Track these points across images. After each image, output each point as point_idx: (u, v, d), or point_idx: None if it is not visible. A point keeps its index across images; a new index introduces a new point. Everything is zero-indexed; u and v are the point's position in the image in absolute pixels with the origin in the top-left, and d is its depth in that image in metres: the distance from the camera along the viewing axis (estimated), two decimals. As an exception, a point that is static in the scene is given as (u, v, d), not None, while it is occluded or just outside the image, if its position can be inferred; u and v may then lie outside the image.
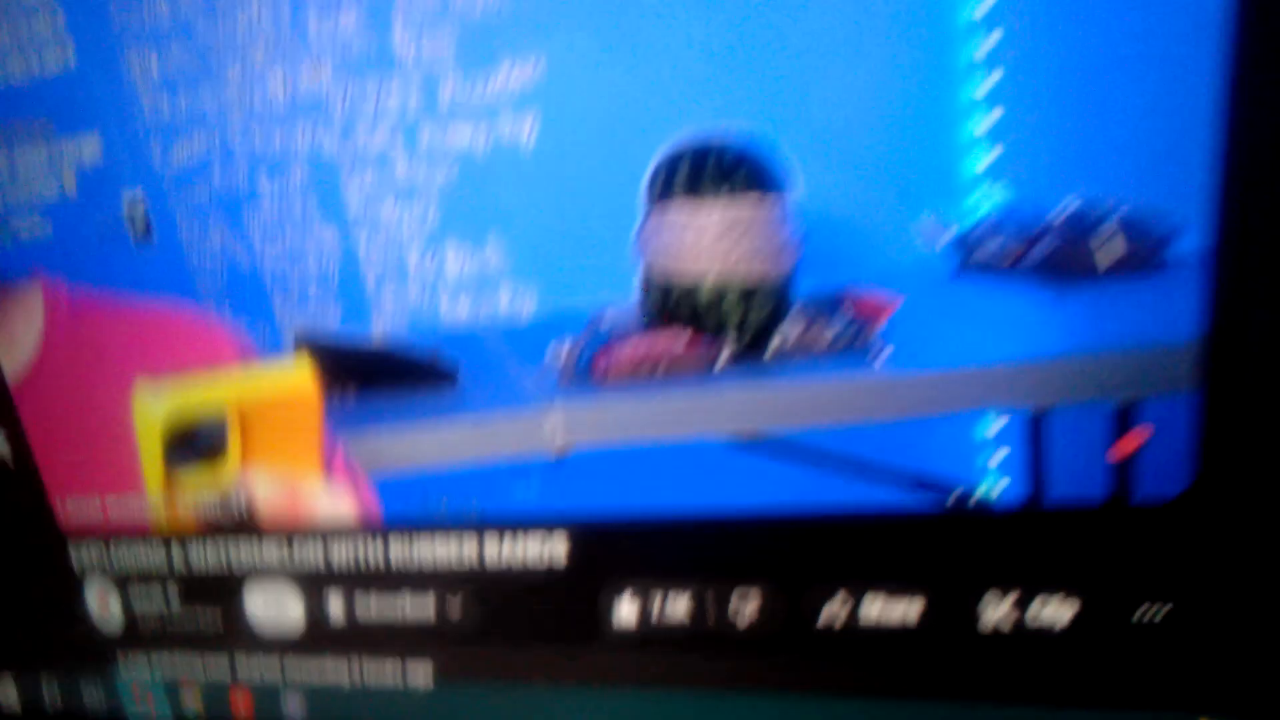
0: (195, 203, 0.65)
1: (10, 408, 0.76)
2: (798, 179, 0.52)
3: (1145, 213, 0.48)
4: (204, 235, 0.66)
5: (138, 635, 0.81)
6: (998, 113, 0.48)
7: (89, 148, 0.66)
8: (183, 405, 0.70)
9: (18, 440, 0.78)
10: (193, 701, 0.82)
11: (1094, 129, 0.47)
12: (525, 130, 0.56)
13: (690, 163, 0.54)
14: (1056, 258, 0.50)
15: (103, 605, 0.82)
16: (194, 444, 0.70)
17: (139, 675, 0.83)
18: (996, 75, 0.48)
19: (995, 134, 0.49)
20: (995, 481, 0.54)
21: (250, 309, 0.66)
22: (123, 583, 0.80)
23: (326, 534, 0.70)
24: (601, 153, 0.55)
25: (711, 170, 0.53)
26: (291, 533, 0.71)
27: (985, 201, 0.50)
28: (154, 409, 0.71)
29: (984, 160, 0.49)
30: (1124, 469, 0.51)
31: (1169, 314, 0.47)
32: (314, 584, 0.72)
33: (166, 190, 0.65)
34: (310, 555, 0.71)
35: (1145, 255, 0.48)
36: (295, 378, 0.66)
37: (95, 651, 0.83)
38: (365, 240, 0.62)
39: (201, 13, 0.61)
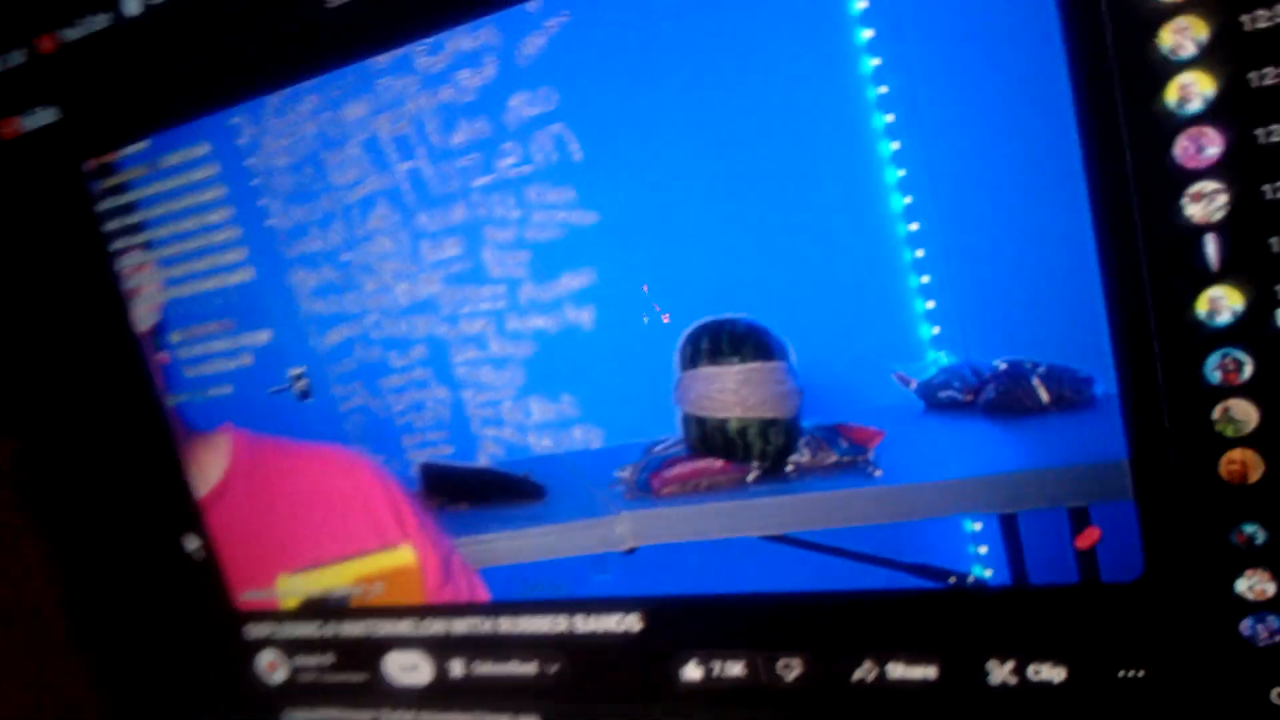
0: (343, 372, 0.85)
1: (200, 519, 0.98)
2: (792, 348, 0.69)
3: (1061, 368, 0.63)
4: (349, 395, 0.86)
5: (299, 691, 1.01)
6: (933, 303, 0.64)
7: (263, 335, 0.87)
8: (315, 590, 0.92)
9: (206, 542, 0.99)
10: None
11: (1009, 311, 0.63)
12: (585, 317, 0.75)
13: (709, 339, 0.71)
14: (1000, 400, 0.66)
15: (270, 669, 1.02)
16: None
17: (300, 724, 1.03)
18: (927, 278, 0.64)
19: (935, 315, 0.65)
20: (984, 568, 0.68)
21: (385, 448, 0.86)
22: (288, 650, 1.01)
23: (449, 613, 0.89)
24: (642, 330, 0.73)
25: (726, 344, 0.71)
26: (421, 613, 0.90)
27: (938, 360, 0.66)
28: (292, 591, 0.93)
29: (931, 331, 0.65)
30: (1090, 557, 0.63)
31: (1099, 440, 0.60)
32: (441, 652, 0.91)
33: (321, 365, 0.86)
34: (437, 629, 0.90)
35: (1070, 397, 0.63)
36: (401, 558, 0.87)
37: (266, 707, 1.04)
38: (470, 397, 0.81)
39: (344, 241, 0.81)
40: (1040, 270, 0.61)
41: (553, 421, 0.79)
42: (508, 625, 0.86)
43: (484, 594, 0.87)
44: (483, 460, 0.83)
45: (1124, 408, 0.59)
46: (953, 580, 0.70)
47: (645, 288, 0.70)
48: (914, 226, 0.64)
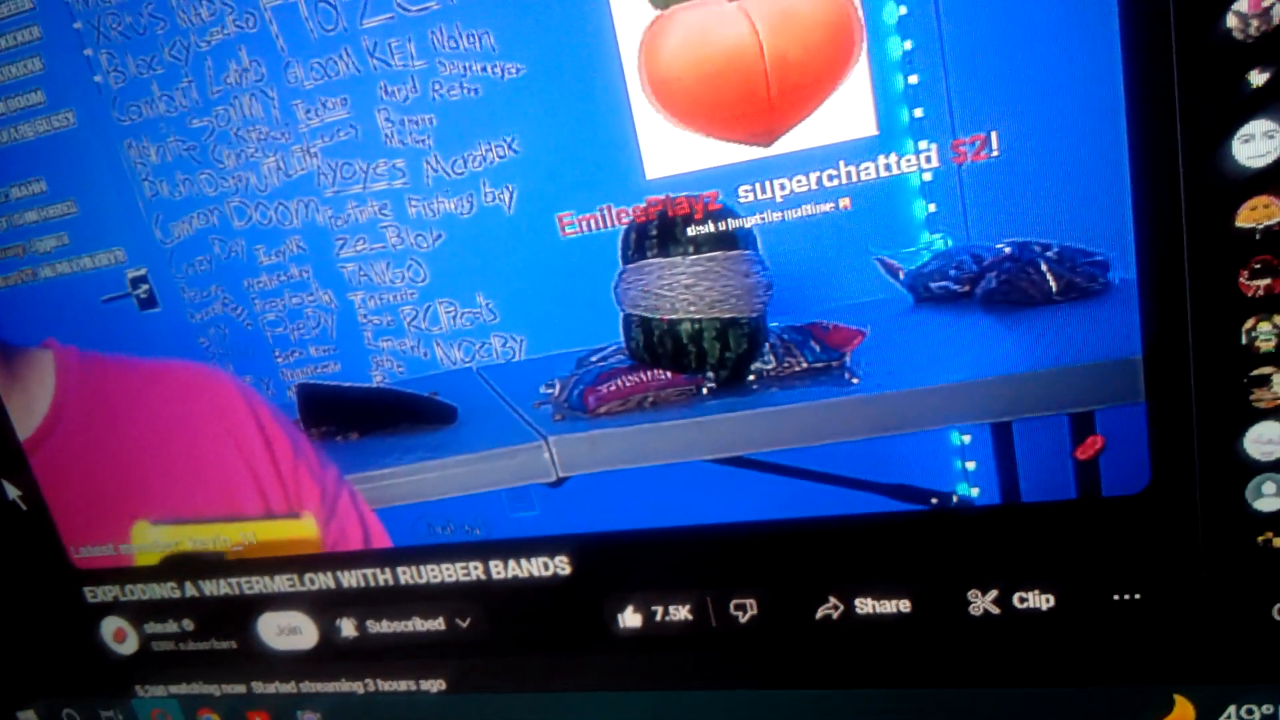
0: (196, 273, 0.69)
1: (22, 462, 0.80)
2: (758, 233, 0.58)
3: (1074, 249, 0.54)
4: (206, 302, 0.70)
5: (153, 664, 0.86)
6: (929, 175, 0.54)
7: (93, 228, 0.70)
8: (181, 546, 0.77)
9: (31, 491, 0.82)
10: (212, 723, 0.87)
11: (1016, 182, 0.53)
12: (505, 199, 0.61)
13: (658, 223, 0.59)
14: (1002, 290, 0.56)
15: (118, 638, 0.86)
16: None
17: (157, 702, 0.88)
18: (925, 144, 0.54)
19: (930, 190, 0.55)
20: (971, 486, 0.60)
21: (252, 366, 0.71)
22: (136, 616, 0.85)
23: (336, 564, 0.75)
24: (574, 215, 0.60)
25: (679, 229, 0.59)
26: (303, 566, 0.76)
27: (931, 244, 0.56)
28: (151, 546, 0.78)
29: (925, 209, 0.55)
30: (1090, 469, 0.57)
31: (1110, 334, 0.53)
32: (327, 610, 0.78)
33: (168, 263, 0.69)
34: (323, 584, 0.77)
35: (1081, 285, 0.55)
36: (300, 529, 0.73)
37: (113, 681, 0.88)
38: (360, 300, 0.67)
39: (194, 104, 0.64)
40: (1055, 130, 0.52)
41: (465, 330, 0.66)
42: (409, 575, 0.74)
43: (381, 539, 0.73)
44: (377, 379, 0.69)
45: (1143, 292, 0.53)
46: (934, 501, 0.61)
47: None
48: (913, 79, 0.53)
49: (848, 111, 0.54)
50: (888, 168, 0.55)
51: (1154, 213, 0.51)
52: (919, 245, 0.56)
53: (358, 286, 0.67)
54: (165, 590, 0.81)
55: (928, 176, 0.54)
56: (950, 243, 0.56)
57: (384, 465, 0.70)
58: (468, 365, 0.67)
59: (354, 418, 0.71)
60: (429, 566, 0.73)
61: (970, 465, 0.60)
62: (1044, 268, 0.55)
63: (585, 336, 0.64)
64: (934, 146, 0.54)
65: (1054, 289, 0.55)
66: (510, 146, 0.60)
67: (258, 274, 0.68)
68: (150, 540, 0.79)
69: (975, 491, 0.60)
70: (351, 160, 0.63)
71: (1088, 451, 0.57)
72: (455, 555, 0.72)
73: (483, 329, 0.65)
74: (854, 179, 0.55)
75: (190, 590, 0.80)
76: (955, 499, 0.60)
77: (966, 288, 0.57)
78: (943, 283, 0.57)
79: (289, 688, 0.82)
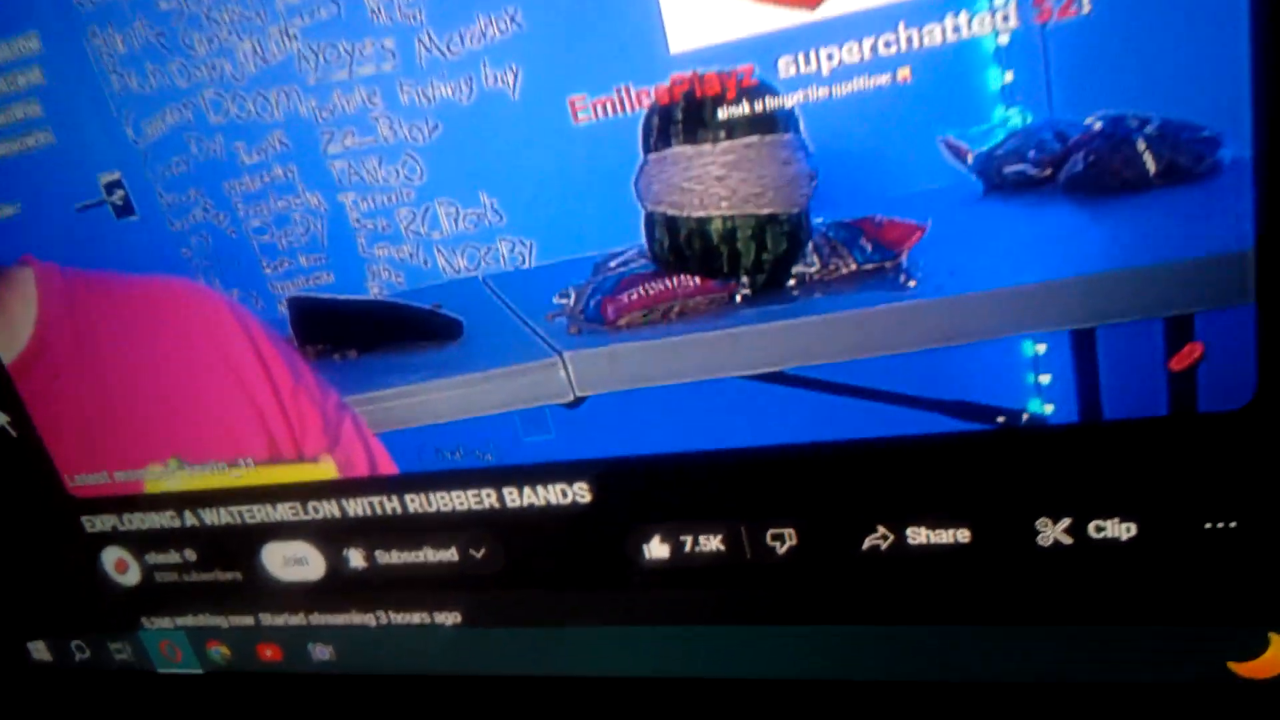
0: (173, 175, 0.62)
1: (10, 387, 0.75)
2: (801, 113, 0.50)
3: (1178, 123, 0.46)
4: (185, 208, 0.63)
5: (157, 595, 0.82)
6: (1005, 37, 0.46)
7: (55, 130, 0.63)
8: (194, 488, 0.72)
9: (21, 417, 0.77)
10: (221, 655, 0.84)
11: (1114, 40, 0.45)
12: (509, 81, 0.53)
13: (685, 105, 0.51)
14: (1089, 173, 0.48)
15: (119, 569, 0.83)
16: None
17: (164, 634, 0.85)
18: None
19: (1006, 55, 0.46)
20: (1045, 403, 0.53)
21: (239, 279, 0.64)
22: (137, 546, 0.81)
23: (341, 491, 0.70)
24: (589, 100, 0.53)
25: (708, 111, 0.51)
26: (306, 494, 0.71)
27: (1007, 121, 0.48)
28: (146, 474, 0.73)
29: (1001, 79, 0.47)
30: (1186, 381, 0.50)
31: (1218, 224, 0.46)
32: (333, 540, 0.73)
33: (143, 165, 0.63)
34: (326, 512, 0.72)
35: (1185, 166, 0.46)
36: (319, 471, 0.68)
37: (118, 613, 0.85)
38: (352, 202, 0.60)
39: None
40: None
41: (468, 234, 0.59)
42: (418, 503, 0.69)
43: (388, 467, 0.68)
44: (374, 290, 0.63)
45: (1259, 174, 0.45)
46: (1002, 420, 0.54)
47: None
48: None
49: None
50: (956, 29, 0.46)
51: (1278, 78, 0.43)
52: (991, 123, 0.48)
53: (348, 187, 0.60)
54: (164, 520, 0.77)
55: (1004, 39, 0.46)
56: (1029, 118, 0.48)
57: (386, 386, 0.64)
58: (473, 274, 0.60)
59: (351, 332, 0.65)
60: (439, 494, 0.67)
61: (1044, 379, 0.52)
62: (1141, 146, 0.47)
63: (603, 239, 0.57)
64: (1012, 1, 0.45)
65: (1152, 170, 0.47)
66: (513, 20, 0.52)
67: (239, 175, 0.61)
68: (150, 472, 0.74)
69: (1049, 409, 0.53)
70: (335, 41, 0.56)
71: (1183, 361, 0.50)
72: (466, 482, 0.66)
73: (488, 232, 0.58)
74: (915, 44, 0.47)
75: (190, 519, 0.76)
76: (1026, 417, 0.53)
77: (1047, 171, 0.49)
78: (1019, 166, 0.49)
79: (298, 620, 0.78)
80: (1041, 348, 0.52)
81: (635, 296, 0.57)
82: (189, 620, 0.82)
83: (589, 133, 0.53)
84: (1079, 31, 0.45)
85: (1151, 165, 0.47)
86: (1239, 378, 0.48)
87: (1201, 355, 0.49)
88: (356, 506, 0.70)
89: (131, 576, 0.82)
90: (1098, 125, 0.47)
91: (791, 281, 0.55)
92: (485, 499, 0.66)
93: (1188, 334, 0.49)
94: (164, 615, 0.83)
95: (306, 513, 0.72)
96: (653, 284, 0.57)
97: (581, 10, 0.51)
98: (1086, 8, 0.44)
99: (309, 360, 0.66)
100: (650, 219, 0.55)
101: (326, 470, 0.69)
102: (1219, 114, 0.44)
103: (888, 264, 0.53)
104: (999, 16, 0.45)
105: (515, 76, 0.53)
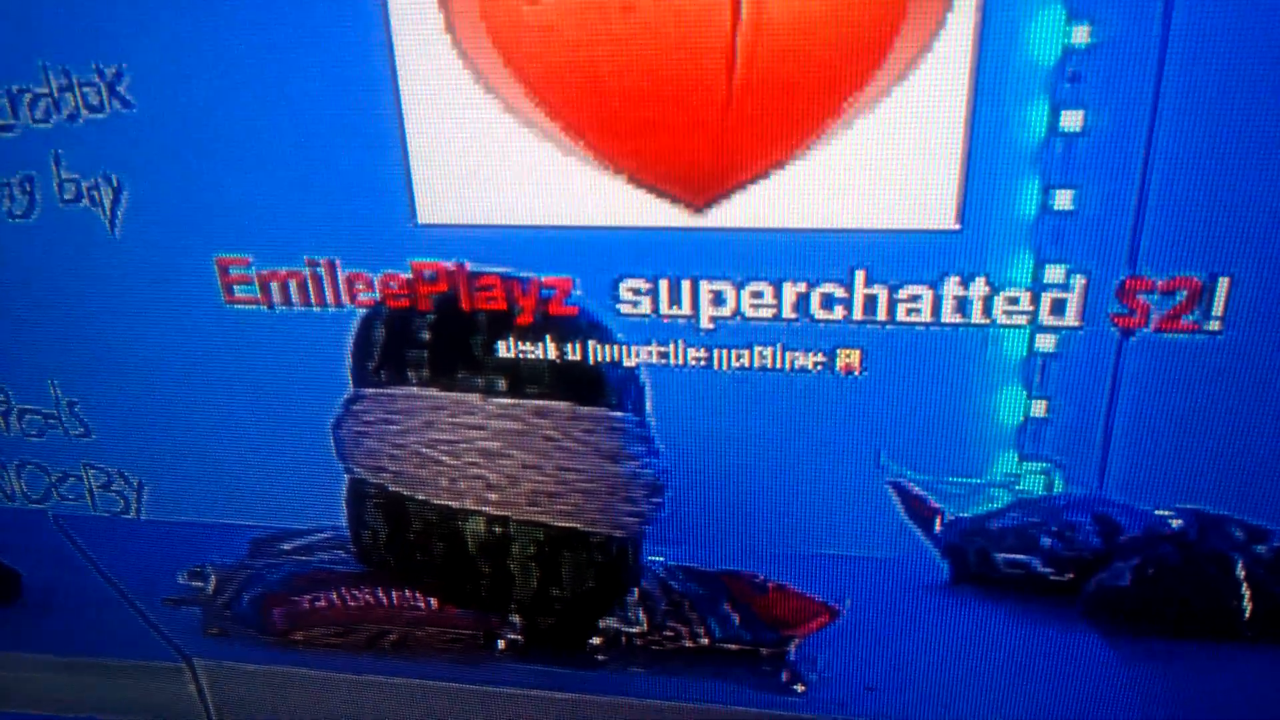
0: None
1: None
2: (648, 384, 0.26)
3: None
4: None
5: None
6: (1070, 324, 0.24)
7: None
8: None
9: None
10: None
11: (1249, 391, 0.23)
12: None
13: (437, 324, 0.26)
14: (1139, 594, 0.28)
15: None
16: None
17: None
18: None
19: (1053, 367, 0.24)
20: None
21: None
22: None
23: None
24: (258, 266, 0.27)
25: (482, 346, 0.26)
26: None
27: (1020, 480, 0.26)
28: None
29: (1025, 408, 0.25)
30: None
31: None
32: None
33: None
34: None
35: None
36: None
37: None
38: None
39: None
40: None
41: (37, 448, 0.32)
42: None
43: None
44: None
45: None
46: None
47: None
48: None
49: (883, 156, 0.23)
50: (960, 304, 0.24)
51: None
52: (988, 476, 0.26)
53: None
54: None
55: (1048, 341, 0.24)
56: (1059, 485, 0.26)
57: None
58: (38, 505, 0.33)
59: None
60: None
61: None
62: (1241, 572, 0.25)
63: (272, 508, 0.31)
64: (1080, 279, 0.23)
65: (1247, 612, 0.26)
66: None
67: None
68: None
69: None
70: None
71: None
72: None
73: (69, 452, 0.31)
74: (880, 313, 0.24)
75: None
76: None
77: (1067, 575, 0.27)
78: (1022, 556, 0.27)
79: None
80: None
81: (323, 604, 0.32)
82: None
83: (249, 322, 0.28)
84: (1192, 355, 0.23)
85: (1249, 603, 0.26)
86: None
87: None
88: None
89: None
90: (1176, 522, 0.25)
91: (596, 640, 0.31)
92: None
93: None
94: None
95: None
96: (357, 593, 0.32)
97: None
98: (1219, 322, 0.23)
99: None
100: (358, 490, 0.30)
101: None
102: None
103: (765, 650, 0.30)
104: (1049, 299, 0.23)
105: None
